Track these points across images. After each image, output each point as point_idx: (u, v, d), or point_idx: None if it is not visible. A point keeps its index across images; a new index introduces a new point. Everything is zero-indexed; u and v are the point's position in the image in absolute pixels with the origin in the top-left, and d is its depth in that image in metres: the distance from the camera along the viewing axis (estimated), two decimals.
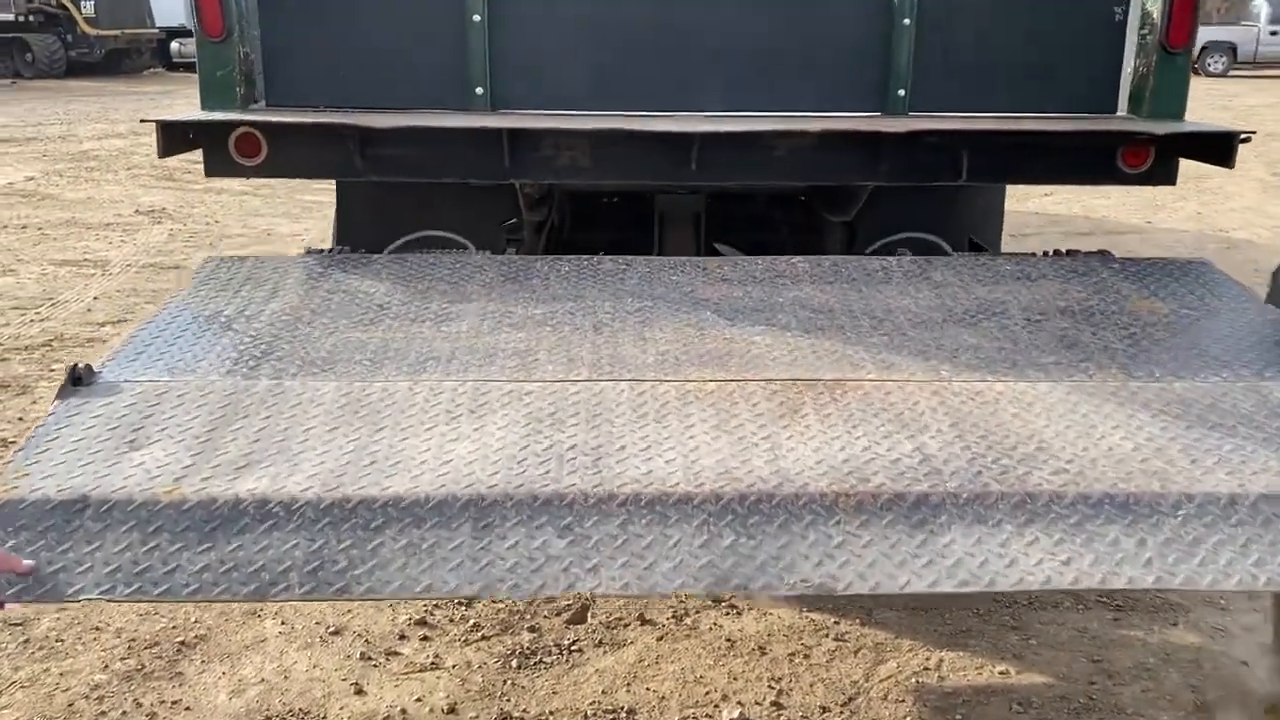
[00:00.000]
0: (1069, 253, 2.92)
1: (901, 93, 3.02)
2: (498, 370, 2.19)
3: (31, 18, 24.50)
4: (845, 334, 2.35)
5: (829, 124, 2.82)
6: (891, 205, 3.36)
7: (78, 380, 2.11)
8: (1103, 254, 2.90)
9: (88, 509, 1.77)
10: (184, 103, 16.88)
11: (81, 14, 24.68)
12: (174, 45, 28.02)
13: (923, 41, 2.99)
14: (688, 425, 2.00)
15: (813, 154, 2.88)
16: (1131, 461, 1.93)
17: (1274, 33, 22.49)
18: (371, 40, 2.96)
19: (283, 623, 3.27)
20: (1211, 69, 25.34)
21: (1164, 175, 2.97)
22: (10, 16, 23.97)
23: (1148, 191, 10.11)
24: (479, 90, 2.97)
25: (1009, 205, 4.25)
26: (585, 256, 2.75)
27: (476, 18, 2.90)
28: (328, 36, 2.95)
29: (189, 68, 27.47)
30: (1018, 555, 1.78)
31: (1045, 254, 2.92)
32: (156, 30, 27.36)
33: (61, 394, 2.06)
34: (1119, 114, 3.05)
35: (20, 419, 4.74)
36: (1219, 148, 2.76)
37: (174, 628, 3.23)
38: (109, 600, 1.73)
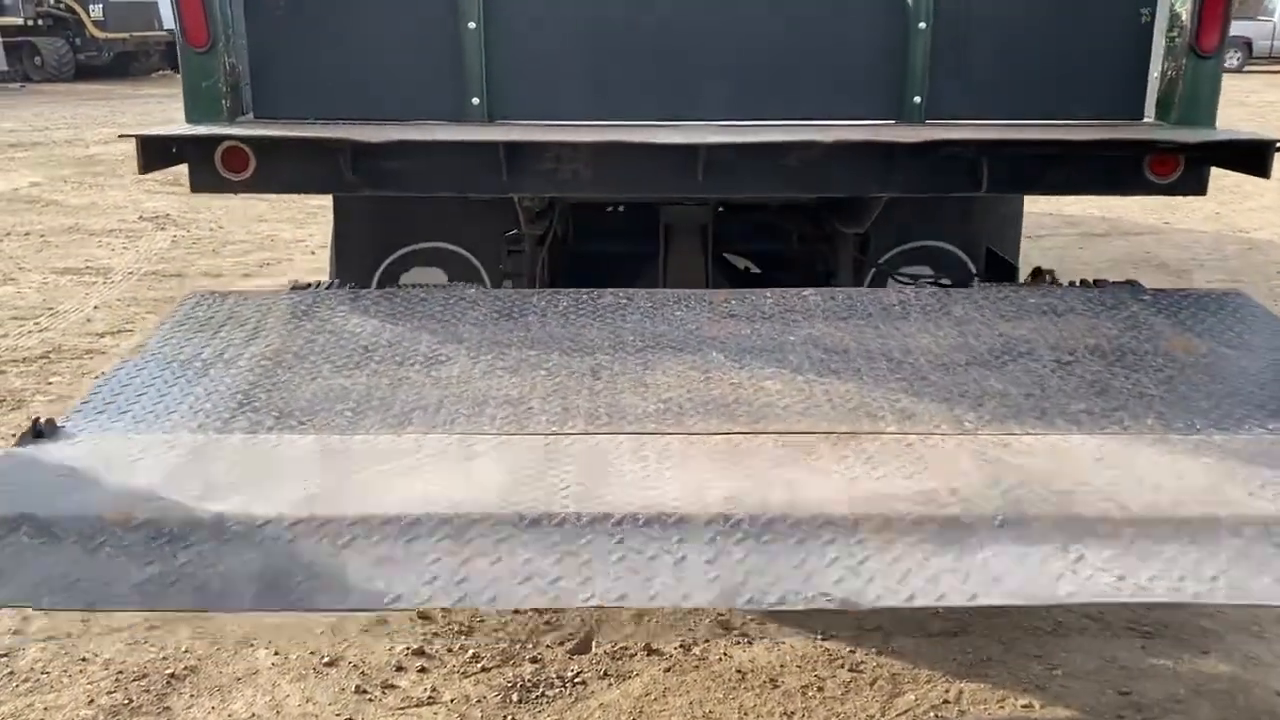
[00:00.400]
0: (1096, 283, 2.78)
1: (917, 100, 2.88)
2: (487, 421, 2.06)
3: (40, 21, 24.53)
4: (862, 378, 2.21)
5: (842, 134, 2.68)
6: (906, 214, 3.22)
7: (39, 434, 2.00)
8: (1132, 285, 2.76)
9: (23, 526, 1.66)
10: None
11: (90, 17, 24.69)
12: None
13: (939, 46, 2.85)
14: (692, 466, 1.87)
15: (825, 165, 2.75)
16: (1179, 493, 1.79)
17: None
18: (363, 50, 2.84)
19: (276, 653, 3.16)
20: (1227, 64, 25.03)
21: (1193, 185, 2.83)
22: (19, 20, 23.99)
23: None
24: (475, 101, 2.85)
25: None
26: (584, 291, 2.61)
27: (472, 25, 2.78)
28: (317, 46, 2.83)
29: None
30: (1065, 571, 1.65)
31: (1071, 284, 2.78)
32: (165, 33, 27.35)
33: (21, 442, 1.95)
34: (1146, 121, 2.91)
35: (14, 435, 4.64)
36: (1253, 157, 2.61)
37: (163, 659, 3.12)
38: (34, 607, 1.63)
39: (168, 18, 27.38)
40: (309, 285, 2.75)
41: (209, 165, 2.76)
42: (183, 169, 2.76)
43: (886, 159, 2.75)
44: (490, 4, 2.80)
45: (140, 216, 9.41)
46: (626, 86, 2.91)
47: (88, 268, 7.66)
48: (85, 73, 24.84)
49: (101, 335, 6.12)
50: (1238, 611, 3.33)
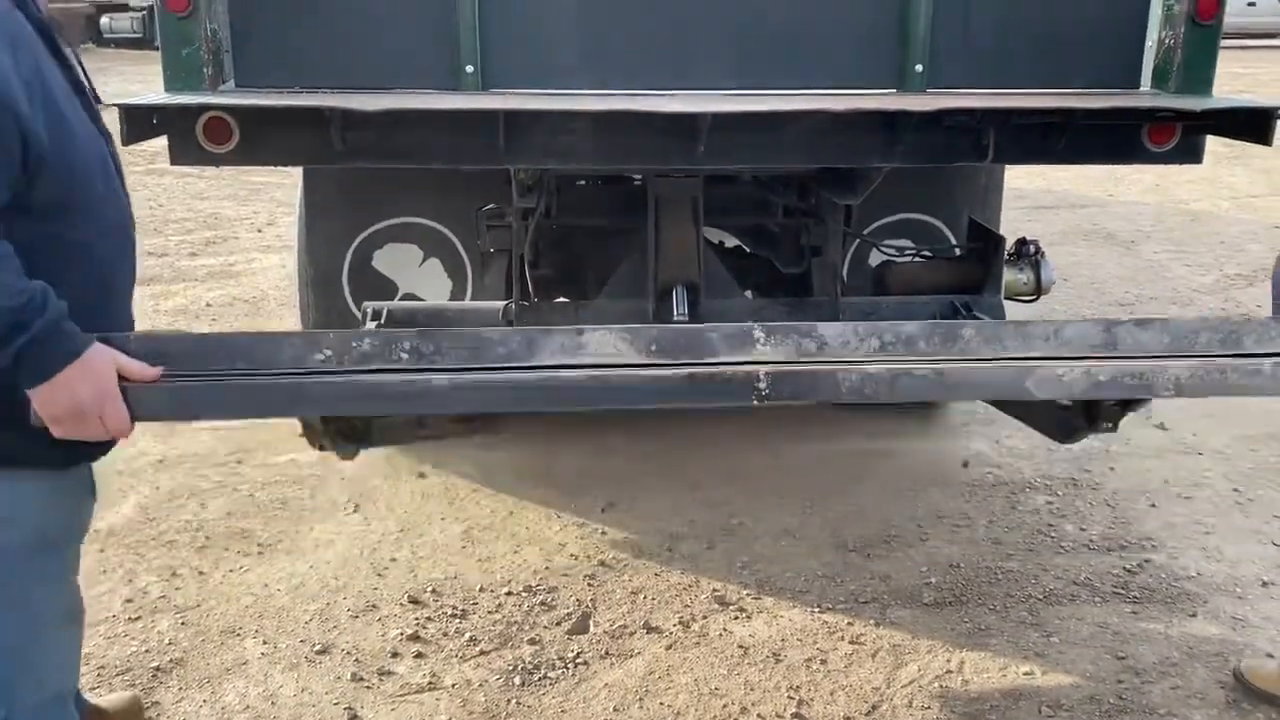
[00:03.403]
0: None
1: (919, 69, 2.85)
2: None
3: None
4: None
5: (851, 102, 2.64)
6: (889, 185, 3.20)
7: None
8: None
9: None
10: (118, 80, 16.22)
11: None
12: (104, 20, 27.04)
13: (940, 14, 2.82)
14: None
15: (830, 135, 2.71)
16: None
17: (1251, 3, 22.61)
18: (351, 15, 2.72)
19: (264, 642, 3.06)
20: None
21: (1189, 154, 2.85)
22: None
23: None
24: (469, 69, 2.75)
25: None
26: None
27: None
28: (302, 11, 2.70)
29: (120, 44, 26.58)
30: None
31: None
32: (86, 4, 26.37)
33: None
34: (1143, 89, 2.92)
35: None
36: (1253, 125, 2.63)
37: (146, 651, 3.00)
38: None
39: None
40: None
41: (190, 137, 2.63)
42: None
43: (891, 128, 2.72)
44: None
45: None
46: (624, 53, 2.84)
47: None
48: None
49: None
50: (1216, 572, 3.40)
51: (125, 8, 27.25)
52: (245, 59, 2.73)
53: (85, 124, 1.82)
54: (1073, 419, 2.60)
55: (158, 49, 2.74)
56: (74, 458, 1.82)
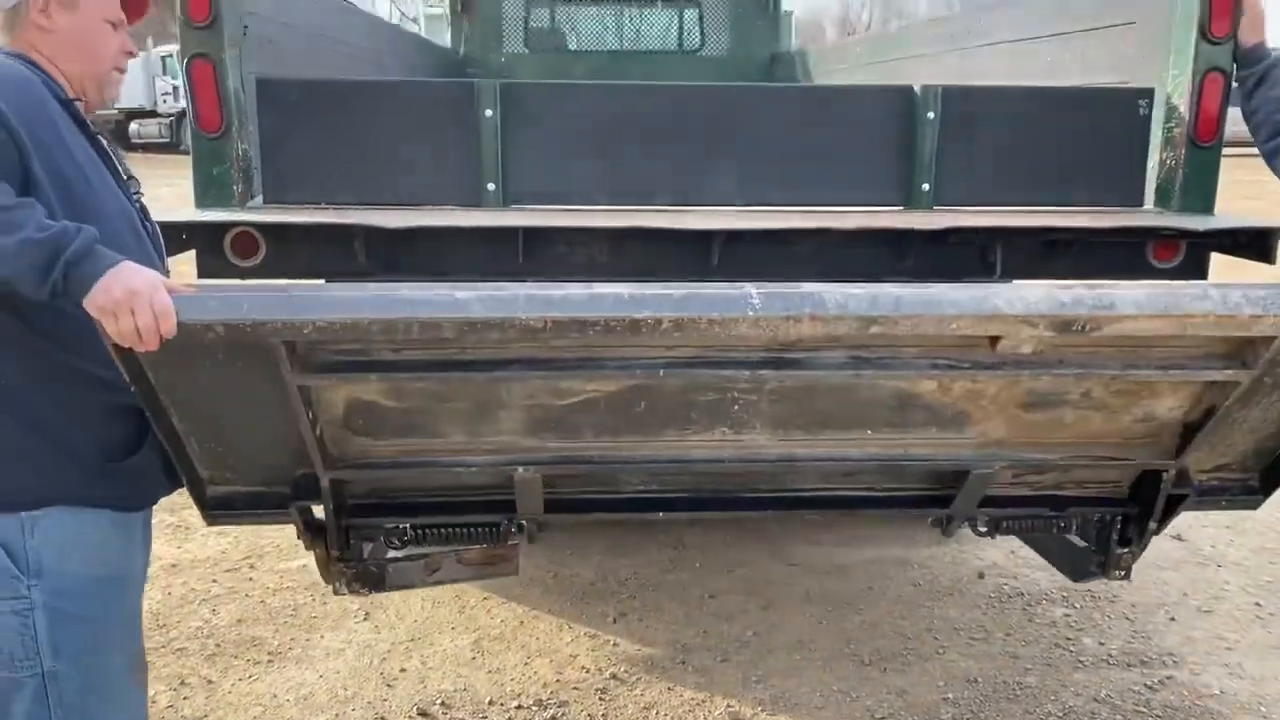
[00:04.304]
0: None
1: (926, 187, 2.93)
2: None
3: None
4: None
5: (860, 220, 2.72)
6: None
7: None
8: None
9: None
10: (146, 185, 16.57)
11: None
12: (133, 126, 27.88)
13: (947, 135, 2.91)
14: None
15: (840, 250, 2.77)
16: None
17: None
18: (376, 134, 2.82)
19: None
20: None
21: (1194, 270, 2.90)
22: None
23: None
24: (490, 186, 2.84)
25: None
26: None
27: (489, 113, 2.78)
28: (329, 130, 2.80)
29: (147, 148, 27.34)
30: None
31: None
32: (115, 111, 27.21)
33: None
34: (1146, 208, 2.98)
35: None
36: (1259, 243, 2.69)
37: None
38: None
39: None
40: None
41: (218, 251, 2.71)
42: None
43: (899, 245, 2.78)
44: (507, 91, 2.81)
45: None
46: (639, 172, 2.93)
47: None
48: None
49: None
50: (1240, 690, 3.34)
51: (154, 114, 28.13)
52: (274, 176, 2.82)
53: (112, 189, 1.95)
54: (1087, 557, 2.61)
55: (185, 153, 2.85)
56: (131, 501, 2.00)
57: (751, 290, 1.87)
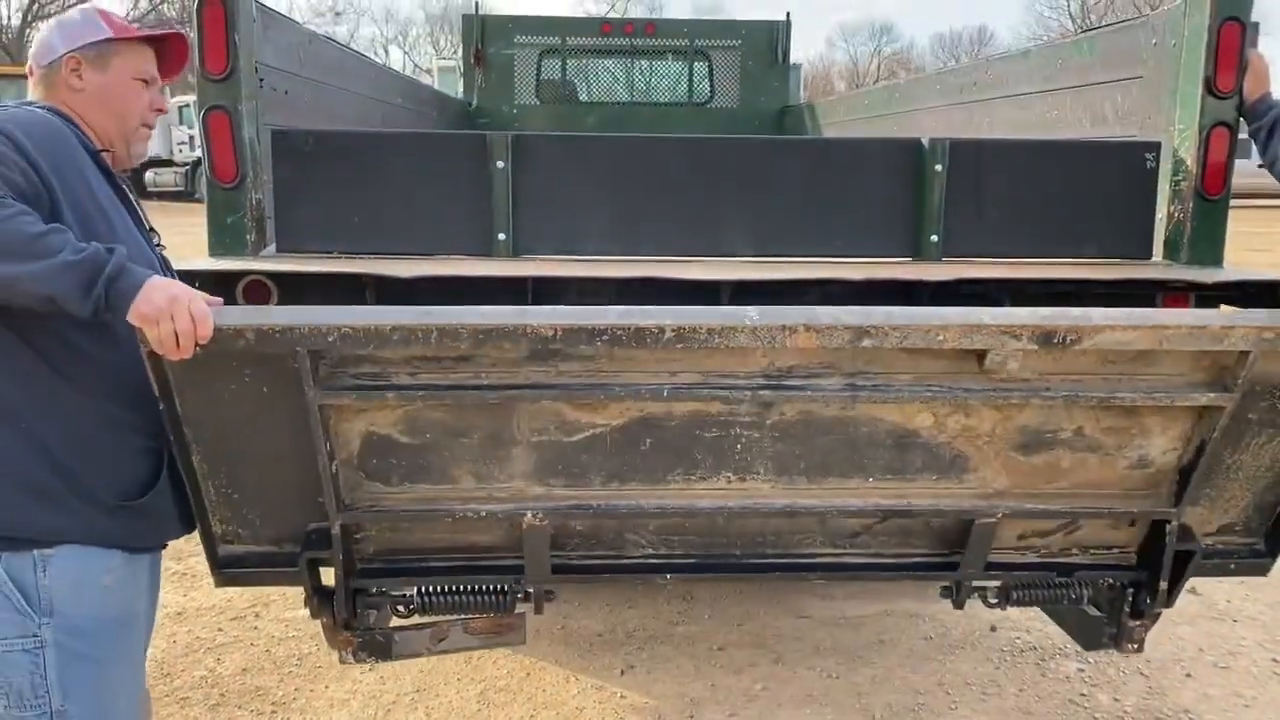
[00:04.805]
0: None
1: (934, 238, 2.94)
2: None
3: None
4: None
5: (869, 271, 2.72)
6: None
7: None
8: None
9: None
10: (163, 233, 16.71)
11: None
12: (149, 175, 28.22)
13: (955, 187, 2.92)
14: None
15: (848, 301, 2.77)
16: None
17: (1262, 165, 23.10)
18: (389, 185, 2.85)
19: None
20: None
21: None
22: None
23: None
24: (501, 236, 2.86)
25: None
26: None
27: (500, 164, 2.81)
28: (343, 181, 2.83)
29: (163, 196, 27.64)
30: None
31: None
32: None
33: None
34: (1154, 260, 2.99)
35: None
36: (1268, 295, 2.68)
37: None
38: None
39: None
40: None
41: (230, 299, 2.72)
42: None
43: (907, 296, 2.78)
44: (518, 143, 2.84)
45: None
46: (648, 223, 2.94)
47: None
48: None
49: None
50: None
51: (170, 163, 28.49)
52: (287, 226, 2.85)
53: (136, 237, 2.02)
54: (1100, 628, 2.60)
55: (200, 202, 2.89)
56: (143, 541, 2.04)
57: (750, 308, 1.99)
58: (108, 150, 2.03)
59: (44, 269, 1.68)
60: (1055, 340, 2.00)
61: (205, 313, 1.78)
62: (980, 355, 2.06)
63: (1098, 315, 2.01)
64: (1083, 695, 3.63)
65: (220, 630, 4.03)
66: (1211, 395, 2.14)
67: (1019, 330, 2.00)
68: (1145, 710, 3.54)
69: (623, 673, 3.74)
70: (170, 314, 1.74)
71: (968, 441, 2.24)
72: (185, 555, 4.73)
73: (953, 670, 3.79)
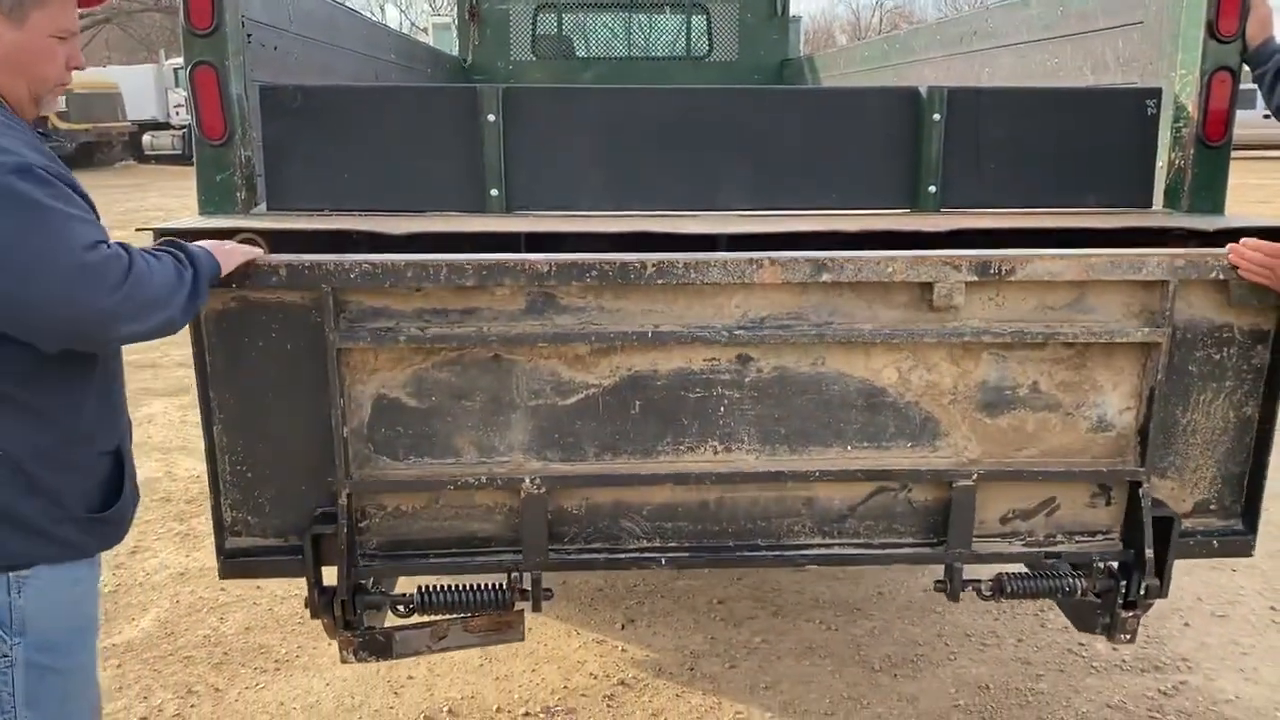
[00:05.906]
0: None
1: (932, 189, 2.90)
2: None
3: None
4: None
5: (865, 223, 2.69)
6: None
7: None
8: None
9: None
10: (156, 195, 16.70)
11: (53, 108, 24.67)
12: (146, 138, 28.03)
13: (953, 136, 2.88)
14: None
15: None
16: None
17: (1267, 115, 22.92)
18: (380, 141, 2.81)
19: None
20: None
21: None
22: None
23: None
24: (494, 192, 2.82)
25: None
26: None
27: (491, 117, 2.77)
28: (332, 138, 2.79)
29: (160, 159, 27.50)
30: None
31: None
32: (129, 124, 27.40)
33: None
34: (1155, 209, 2.95)
35: None
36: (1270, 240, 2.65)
37: None
38: None
39: (132, 108, 27.46)
40: None
41: None
42: None
43: (905, 247, 2.75)
44: (509, 97, 2.80)
45: None
46: (642, 177, 2.91)
47: None
48: None
49: None
50: (1255, 695, 3.30)
51: (166, 126, 28.31)
52: (277, 183, 2.81)
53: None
54: (1093, 615, 2.65)
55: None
56: (107, 544, 2.01)
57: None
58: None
59: (181, 309, 1.91)
60: (991, 270, 2.31)
61: (251, 249, 2.26)
62: (927, 290, 2.33)
63: (1031, 251, 2.32)
64: (1080, 645, 3.65)
65: (223, 590, 4.05)
66: (1145, 330, 2.38)
67: (959, 261, 2.31)
68: (1143, 659, 3.56)
69: (623, 627, 3.77)
70: (234, 261, 2.18)
71: (933, 401, 2.44)
72: (187, 516, 4.75)
73: (952, 622, 3.81)
